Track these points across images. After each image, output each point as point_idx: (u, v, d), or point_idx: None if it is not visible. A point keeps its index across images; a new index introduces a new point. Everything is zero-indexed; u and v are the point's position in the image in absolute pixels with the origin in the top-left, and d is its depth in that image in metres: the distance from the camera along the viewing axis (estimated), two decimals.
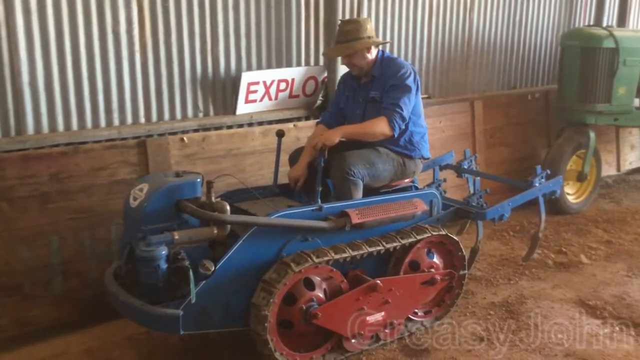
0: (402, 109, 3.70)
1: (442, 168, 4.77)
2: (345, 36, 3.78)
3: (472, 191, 4.47)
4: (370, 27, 3.81)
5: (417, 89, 3.83)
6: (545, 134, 6.44)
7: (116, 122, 4.04)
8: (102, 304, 3.29)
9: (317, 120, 4.28)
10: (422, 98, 5.44)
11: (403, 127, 3.77)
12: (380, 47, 3.93)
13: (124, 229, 3.30)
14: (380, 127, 3.69)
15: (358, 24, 3.79)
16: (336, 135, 3.63)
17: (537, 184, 4.36)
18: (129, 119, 4.08)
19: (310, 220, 3.33)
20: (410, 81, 3.76)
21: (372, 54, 3.83)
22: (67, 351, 3.54)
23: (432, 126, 5.46)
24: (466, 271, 3.93)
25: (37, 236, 3.64)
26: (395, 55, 5.09)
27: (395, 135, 3.74)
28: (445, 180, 4.65)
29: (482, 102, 5.87)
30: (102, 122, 4.00)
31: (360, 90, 3.91)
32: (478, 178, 4.49)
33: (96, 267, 3.78)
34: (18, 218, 3.57)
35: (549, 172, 4.51)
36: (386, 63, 3.84)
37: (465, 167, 4.72)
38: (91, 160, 3.80)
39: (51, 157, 3.67)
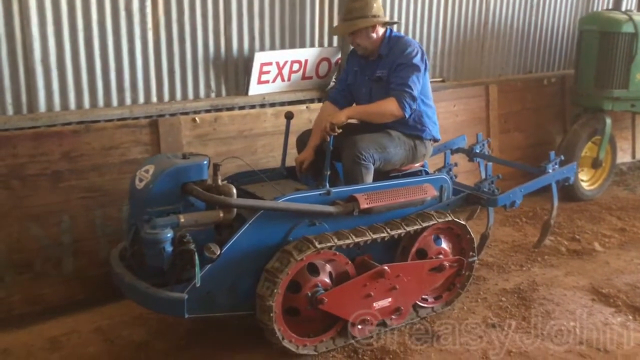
0: (411, 89, 3.65)
1: (453, 152, 4.72)
2: (350, 14, 3.72)
3: (483, 176, 4.42)
4: (377, 6, 3.73)
5: (425, 68, 3.77)
6: (560, 120, 6.35)
7: (128, 101, 4.03)
8: (112, 283, 3.30)
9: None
10: (436, 81, 5.47)
11: (414, 107, 3.71)
12: (389, 27, 3.85)
13: (130, 210, 3.29)
14: (389, 107, 3.64)
15: (364, 1, 3.70)
16: (344, 115, 3.59)
17: (550, 170, 4.31)
18: (141, 98, 4.07)
19: (318, 204, 3.31)
20: (417, 60, 3.69)
21: (378, 34, 3.75)
22: (77, 329, 3.58)
23: (446, 110, 5.43)
24: (475, 256, 3.89)
25: (48, 215, 3.66)
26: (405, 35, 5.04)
27: (407, 116, 3.69)
28: (456, 164, 4.60)
29: (497, 86, 5.79)
30: (114, 101, 3.99)
31: (366, 67, 3.86)
32: (490, 163, 4.43)
33: (107, 246, 3.79)
34: (29, 196, 3.59)
35: (562, 158, 4.45)
36: (394, 42, 3.77)
37: (477, 151, 4.66)
38: (103, 139, 3.80)
39: (63, 135, 3.68)
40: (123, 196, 3.77)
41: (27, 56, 3.63)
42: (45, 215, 3.65)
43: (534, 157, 5.70)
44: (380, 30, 3.77)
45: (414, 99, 3.67)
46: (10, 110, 3.65)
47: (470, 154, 4.67)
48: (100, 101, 3.94)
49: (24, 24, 3.57)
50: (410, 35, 5.25)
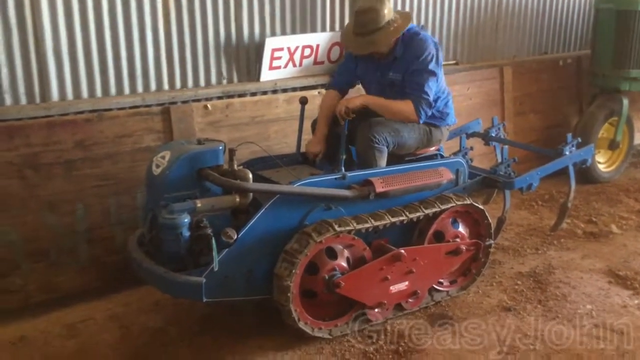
0: (428, 95, 3.62)
1: (469, 136, 4.68)
2: (364, 27, 3.59)
3: (499, 160, 4.37)
4: (388, 10, 3.59)
5: (440, 69, 3.72)
6: (576, 101, 6.26)
7: (140, 88, 4.01)
8: (128, 270, 3.31)
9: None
10: (449, 64, 5.41)
11: (429, 113, 3.68)
12: None
13: (147, 197, 3.30)
14: (406, 110, 3.62)
15: (374, 12, 3.55)
16: (359, 101, 3.55)
17: (567, 153, 4.25)
18: (153, 85, 4.05)
19: (333, 188, 3.29)
20: (433, 65, 3.63)
21: (395, 37, 3.65)
22: (93, 317, 3.59)
23: (460, 93, 5.37)
24: (492, 241, 3.86)
25: (63, 203, 3.67)
26: (415, 23, 4.96)
27: (421, 122, 3.66)
28: (472, 148, 4.55)
29: (512, 68, 5.72)
30: (126, 89, 3.97)
31: (379, 66, 3.78)
32: (506, 146, 4.39)
33: (121, 233, 3.80)
34: (43, 185, 3.59)
35: (579, 140, 4.39)
36: (408, 41, 3.67)
37: (493, 135, 4.61)
38: (115, 127, 3.80)
39: (75, 124, 3.67)
40: (137, 184, 3.79)
41: (38, 46, 3.61)
42: (60, 203, 3.65)
43: (549, 139, 5.64)
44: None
45: (430, 105, 3.65)
46: (23, 99, 3.64)
47: (486, 137, 4.63)
48: (113, 89, 3.92)
49: (35, 15, 3.55)
50: (422, 19, 5.20)
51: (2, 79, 3.54)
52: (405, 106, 3.62)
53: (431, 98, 3.64)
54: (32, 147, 3.54)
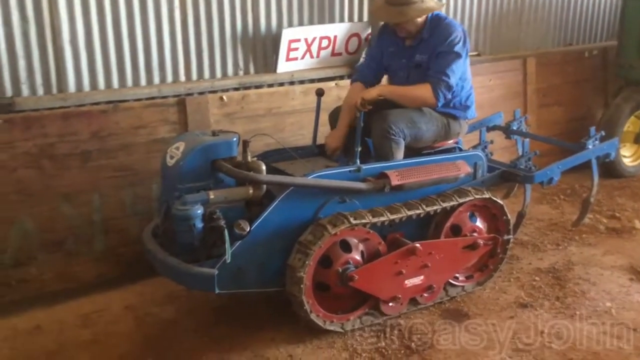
0: (449, 77, 3.53)
1: (489, 129, 4.59)
2: None
3: (521, 153, 4.29)
4: None
5: (466, 54, 3.64)
6: (602, 94, 6.13)
7: (156, 80, 4.01)
8: (143, 261, 3.31)
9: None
10: (471, 55, 5.28)
11: (449, 96, 3.59)
12: None
13: (162, 188, 3.30)
14: (423, 93, 3.54)
15: None
16: (375, 92, 3.49)
17: (590, 146, 4.15)
18: (169, 77, 4.05)
19: (348, 181, 3.26)
20: (459, 47, 3.56)
21: (423, 17, 3.60)
22: (108, 307, 3.61)
23: (481, 85, 5.29)
24: (511, 236, 3.79)
25: (79, 194, 3.69)
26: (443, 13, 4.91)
27: (439, 106, 3.59)
28: (492, 142, 4.47)
29: (536, 59, 5.60)
30: (143, 80, 3.98)
31: (404, 50, 3.72)
32: (527, 139, 4.30)
33: (137, 224, 3.81)
34: (59, 175, 3.62)
35: (603, 133, 4.28)
36: (435, 24, 3.61)
37: (515, 128, 4.53)
38: (131, 119, 3.81)
39: (91, 115, 3.69)
40: (152, 175, 3.80)
41: (55, 38, 3.63)
42: (76, 194, 3.68)
43: (573, 132, 5.52)
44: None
45: (450, 88, 3.55)
46: (40, 90, 3.66)
47: (507, 130, 4.54)
48: (129, 81, 3.93)
49: (52, 6, 3.57)
50: (444, 9, 5.10)
51: (19, 70, 3.56)
52: (423, 90, 3.54)
53: (452, 81, 3.54)
54: (48, 138, 3.57)
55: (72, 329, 3.40)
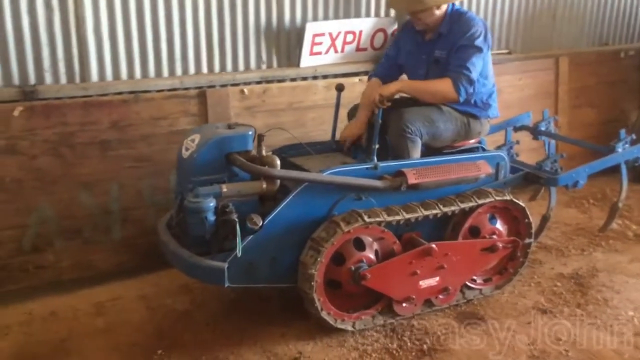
0: (470, 71, 3.42)
1: (517, 129, 4.49)
2: None
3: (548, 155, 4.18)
4: None
5: (488, 48, 3.54)
6: (637, 96, 5.93)
7: (179, 71, 4.01)
8: (159, 251, 3.31)
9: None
10: (501, 53, 5.20)
11: (470, 91, 3.48)
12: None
13: (177, 179, 3.30)
14: (444, 88, 3.44)
15: None
16: (394, 87, 3.41)
17: (619, 150, 4.02)
18: (192, 68, 4.05)
19: (364, 178, 3.20)
20: (480, 41, 3.46)
21: (442, 10, 3.52)
22: (123, 296, 3.63)
23: (511, 84, 5.18)
24: (532, 240, 3.69)
25: (98, 183, 3.71)
26: (467, 9, 4.79)
27: (461, 100, 3.49)
28: (518, 142, 4.37)
29: (569, 58, 5.45)
30: (165, 71, 3.98)
31: (424, 46, 3.64)
32: (554, 141, 4.18)
33: (154, 215, 3.81)
34: (79, 164, 3.65)
35: (634, 136, 4.14)
36: (455, 19, 3.53)
37: (543, 129, 4.41)
38: (151, 109, 3.81)
39: (112, 104, 3.71)
40: (171, 166, 3.77)
41: (79, 26, 3.65)
42: (95, 183, 3.70)
43: (606, 135, 5.32)
44: (444, 7, 3.54)
45: (471, 82, 3.45)
46: (63, 79, 3.69)
47: (535, 131, 4.43)
48: (151, 71, 3.94)
49: None
50: (474, 5, 5.01)
51: (43, 58, 3.60)
52: (443, 84, 3.45)
53: (473, 75, 3.44)
54: (68, 126, 3.59)
55: (85, 317, 3.43)
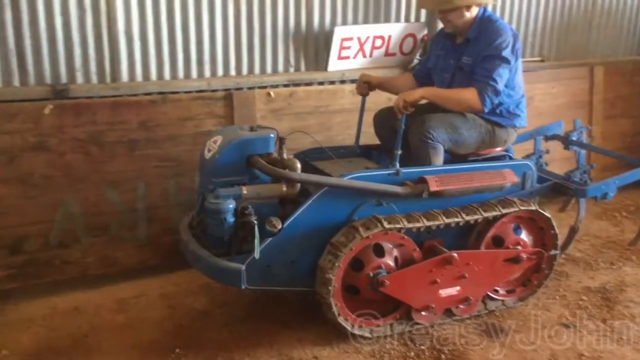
0: (496, 82, 3.37)
1: (548, 138, 4.40)
2: None
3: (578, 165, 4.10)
4: None
5: (516, 59, 3.47)
6: None
7: (207, 73, 4.05)
8: (181, 251, 3.35)
9: None
10: (534, 61, 5.12)
11: (496, 102, 3.44)
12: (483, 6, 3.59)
13: (199, 180, 3.33)
14: (469, 98, 3.39)
15: None
16: (418, 94, 3.36)
17: None
18: (220, 70, 4.08)
19: (385, 184, 3.18)
20: (507, 52, 3.40)
21: (472, 13, 3.49)
22: (145, 294, 3.68)
23: (544, 92, 5.10)
24: (557, 251, 3.61)
25: (125, 181, 3.77)
26: (499, 15, 4.75)
27: (485, 111, 3.45)
28: (548, 151, 4.29)
29: (604, 67, 5.33)
30: (194, 73, 4.02)
31: (453, 51, 3.61)
32: (584, 151, 4.09)
33: (179, 214, 3.83)
34: (107, 162, 3.71)
35: None
36: (484, 25, 3.48)
37: (574, 138, 4.32)
38: (178, 110, 3.86)
39: (140, 105, 3.76)
40: (196, 166, 3.78)
41: (111, 27, 3.71)
42: (122, 181, 3.76)
43: None
44: (474, 10, 3.50)
45: (497, 93, 3.40)
46: (94, 78, 3.76)
47: (566, 141, 4.33)
48: (181, 73, 3.98)
49: None
50: (507, 12, 4.94)
51: (75, 57, 3.66)
52: (468, 94, 3.41)
53: (499, 86, 3.39)
54: (97, 125, 3.66)
55: (107, 313, 3.49)
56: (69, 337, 3.25)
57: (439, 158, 3.39)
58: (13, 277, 3.59)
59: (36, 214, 3.58)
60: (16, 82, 3.54)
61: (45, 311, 3.48)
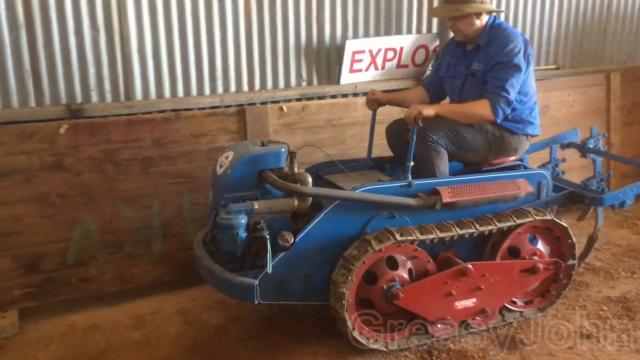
0: (508, 93, 3.37)
1: (564, 146, 4.35)
2: None
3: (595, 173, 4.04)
4: None
5: (527, 65, 3.46)
6: None
7: (220, 89, 4.07)
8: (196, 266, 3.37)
9: None
10: (549, 69, 5.08)
11: (508, 112, 3.44)
12: (493, 14, 3.59)
13: (212, 196, 3.35)
14: (481, 111, 3.39)
15: None
16: (434, 110, 3.34)
17: None
18: (232, 86, 4.11)
19: (397, 196, 3.17)
20: (519, 59, 3.39)
21: (482, 21, 3.50)
22: (162, 310, 3.70)
23: (559, 100, 5.06)
24: (575, 261, 3.56)
25: (139, 198, 3.80)
26: (511, 24, 4.74)
27: (498, 121, 3.43)
28: (564, 160, 4.24)
29: (620, 74, 5.27)
30: (207, 90, 4.04)
31: (464, 59, 3.62)
32: (600, 159, 4.04)
33: (194, 230, 3.87)
34: (122, 180, 3.74)
35: None
36: (495, 32, 3.49)
37: (591, 146, 4.26)
38: (192, 127, 3.89)
39: (154, 122, 3.80)
40: (210, 182, 3.85)
41: (124, 46, 3.76)
42: (137, 198, 3.79)
43: None
44: (485, 18, 3.52)
45: (509, 103, 3.41)
46: (108, 97, 3.80)
47: (583, 149, 4.28)
48: (194, 89, 4.01)
49: (122, 15, 3.70)
50: (520, 20, 4.91)
51: (89, 77, 3.71)
52: (480, 107, 3.40)
53: (511, 96, 3.39)
54: (112, 144, 3.70)
55: (124, 330, 3.51)
56: (86, 355, 3.28)
57: (442, 162, 3.37)
58: (31, 296, 3.63)
59: (53, 232, 3.63)
60: (32, 102, 3.60)
61: (63, 329, 3.51)
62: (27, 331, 3.50)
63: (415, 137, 3.26)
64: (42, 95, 3.62)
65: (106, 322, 3.58)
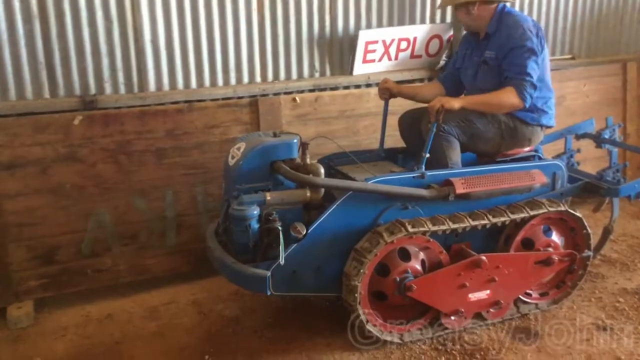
0: (531, 77, 3.34)
1: (579, 137, 4.30)
2: None
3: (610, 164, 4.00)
4: None
5: (542, 50, 3.42)
6: None
7: (233, 81, 4.08)
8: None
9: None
10: (565, 59, 5.02)
11: (534, 95, 3.39)
12: (502, 2, 3.54)
13: (224, 187, 3.35)
14: (509, 99, 3.34)
15: None
16: (458, 103, 3.29)
17: None
18: (245, 78, 4.11)
19: (409, 187, 3.15)
20: (532, 42, 3.36)
21: (481, 12, 3.49)
22: (176, 300, 3.72)
23: (575, 90, 5.00)
24: (590, 252, 3.52)
25: (153, 189, 3.81)
26: (526, 12, 4.69)
27: (527, 106, 3.39)
28: (579, 150, 4.19)
29: (637, 64, 5.20)
30: (220, 81, 4.05)
31: (477, 48, 3.60)
32: (616, 150, 3.99)
33: (207, 221, 3.88)
34: (135, 171, 3.76)
35: None
36: (504, 19, 3.46)
37: (606, 136, 4.21)
38: (205, 118, 3.89)
39: (167, 113, 3.80)
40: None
41: (137, 38, 3.77)
42: (150, 189, 3.80)
43: None
44: (488, 8, 3.49)
45: (534, 87, 3.37)
46: (122, 89, 3.82)
47: (598, 139, 4.23)
48: (207, 81, 4.01)
49: (135, 7, 3.71)
50: (535, 9, 4.86)
51: (103, 68, 3.73)
52: (507, 94, 3.35)
53: (535, 79, 3.35)
54: (125, 135, 3.71)
55: (139, 320, 3.53)
56: (101, 345, 3.30)
57: (454, 152, 3.34)
58: (47, 287, 3.66)
59: (68, 223, 3.65)
60: (46, 94, 3.62)
61: (78, 319, 3.54)
62: (42, 321, 3.54)
63: (435, 130, 3.22)
64: (56, 86, 3.64)
65: (121, 312, 3.60)
